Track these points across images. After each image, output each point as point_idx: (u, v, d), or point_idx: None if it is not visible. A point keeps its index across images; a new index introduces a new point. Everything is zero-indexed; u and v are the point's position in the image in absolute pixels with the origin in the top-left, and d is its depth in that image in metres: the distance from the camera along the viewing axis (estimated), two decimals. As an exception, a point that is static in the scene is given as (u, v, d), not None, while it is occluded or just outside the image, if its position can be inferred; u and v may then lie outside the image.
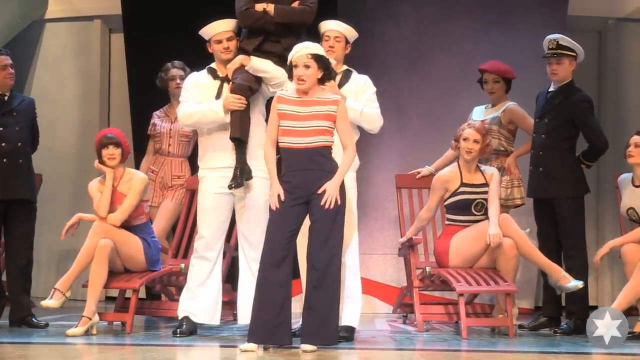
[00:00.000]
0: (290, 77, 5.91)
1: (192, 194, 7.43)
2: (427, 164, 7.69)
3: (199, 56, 6.77)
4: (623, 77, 9.58)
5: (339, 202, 5.78)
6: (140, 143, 8.74)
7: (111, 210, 6.83)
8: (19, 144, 7.16)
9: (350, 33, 6.54)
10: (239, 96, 6.37)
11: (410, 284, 7.20)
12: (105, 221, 6.79)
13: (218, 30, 6.50)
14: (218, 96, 6.48)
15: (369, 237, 8.79)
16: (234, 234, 7.07)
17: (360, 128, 6.47)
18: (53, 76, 10.10)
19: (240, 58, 6.47)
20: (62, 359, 5.78)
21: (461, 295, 6.69)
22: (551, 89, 7.13)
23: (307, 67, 5.82)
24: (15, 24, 9.71)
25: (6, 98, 7.21)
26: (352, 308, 6.33)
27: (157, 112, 8.18)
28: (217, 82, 6.55)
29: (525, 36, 8.79)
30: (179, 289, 7.04)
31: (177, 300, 6.83)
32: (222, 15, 6.52)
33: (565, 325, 6.95)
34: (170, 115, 8.05)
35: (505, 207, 7.28)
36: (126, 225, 6.87)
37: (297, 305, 5.91)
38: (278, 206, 5.79)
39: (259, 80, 6.48)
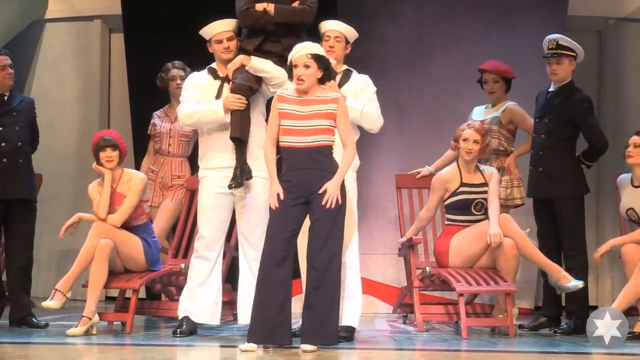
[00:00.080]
0: (290, 77, 5.91)
1: (192, 194, 7.42)
2: (427, 164, 7.68)
3: (199, 56, 6.76)
4: (623, 77, 9.58)
5: (339, 202, 5.78)
6: (140, 143, 8.74)
7: (111, 211, 6.82)
8: (19, 143, 7.16)
9: (351, 33, 6.54)
10: (239, 96, 6.37)
11: (410, 284, 7.19)
12: (106, 222, 6.79)
13: (218, 30, 6.50)
14: (218, 96, 6.48)
15: (369, 237, 8.78)
16: (234, 234, 7.07)
17: (360, 128, 6.47)
18: (53, 76, 10.09)
19: (241, 58, 6.47)
20: (62, 359, 5.77)
21: (461, 295, 6.69)
22: (551, 89, 7.13)
23: (307, 67, 5.82)
24: (15, 24, 9.71)
25: (6, 98, 7.20)
26: (352, 308, 6.32)
27: (157, 112, 8.18)
28: (218, 82, 6.54)
29: (525, 36, 8.78)
30: (179, 289, 7.03)
31: (177, 300, 6.83)
32: (222, 15, 6.52)
33: (565, 325, 6.95)
34: (170, 115, 8.04)
35: (505, 207, 7.28)
36: (126, 226, 6.87)
37: (297, 305, 5.90)
38: (277, 206, 5.79)
39: (259, 80, 6.48)
